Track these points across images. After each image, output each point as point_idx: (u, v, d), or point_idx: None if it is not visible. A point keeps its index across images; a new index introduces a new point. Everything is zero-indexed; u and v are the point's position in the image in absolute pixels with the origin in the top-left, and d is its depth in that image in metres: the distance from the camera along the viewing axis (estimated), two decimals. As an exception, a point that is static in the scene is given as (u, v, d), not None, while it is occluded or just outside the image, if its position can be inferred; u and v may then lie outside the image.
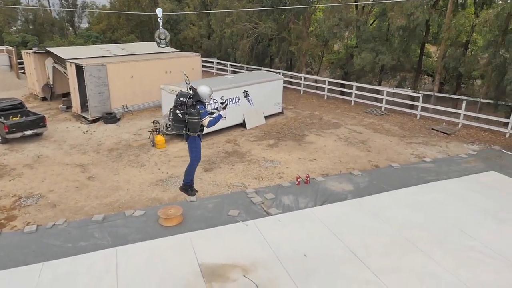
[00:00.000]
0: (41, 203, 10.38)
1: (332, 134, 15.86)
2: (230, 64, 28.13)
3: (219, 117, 8.21)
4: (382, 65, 19.72)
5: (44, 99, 21.99)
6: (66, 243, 8.41)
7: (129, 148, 14.44)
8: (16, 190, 11.02)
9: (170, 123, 14.97)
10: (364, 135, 15.67)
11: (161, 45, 9.81)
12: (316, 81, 26.06)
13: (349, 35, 21.45)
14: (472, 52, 19.28)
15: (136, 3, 39.88)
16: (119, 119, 18.18)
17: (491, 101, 17.17)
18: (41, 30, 43.77)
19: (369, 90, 20.35)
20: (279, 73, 25.07)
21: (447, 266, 7.50)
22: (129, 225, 9.20)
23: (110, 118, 17.59)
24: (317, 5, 21.95)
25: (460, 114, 16.62)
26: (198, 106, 8.05)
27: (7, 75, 26.39)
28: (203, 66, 31.41)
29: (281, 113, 18.76)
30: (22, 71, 26.02)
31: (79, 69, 17.26)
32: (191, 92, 7.94)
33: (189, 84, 8.38)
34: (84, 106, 18.08)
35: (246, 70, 26.73)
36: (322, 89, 22.60)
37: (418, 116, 18.12)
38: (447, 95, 19.60)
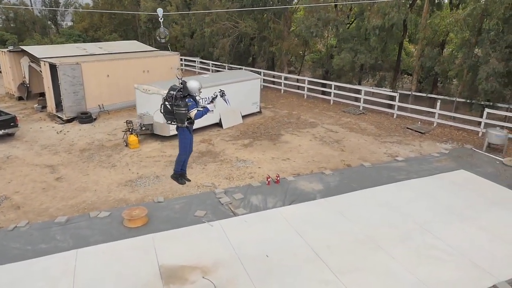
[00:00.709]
0: (5, 205, 10.16)
1: (308, 133, 15.86)
2: (212, 63, 28.03)
3: (206, 110, 8.73)
4: (362, 64, 19.80)
5: (20, 98, 21.62)
6: (26, 246, 8.23)
7: (101, 149, 14.24)
8: (-20, 192, 10.78)
9: (143, 124, 14.96)
10: (339, 134, 15.71)
11: (161, 43, 10.16)
12: (297, 80, 26.08)
13: (329, 35, 21.51)
14: (448, 52, 19.47)
15: (118, 2, 39.49)
16: (95, 119, 17.95)
17: (465, 100, 17.34)
18: (23, 29, 43.14)
19: (349, 90, 20.44)
20: (260, 73, 25.10)
21: (407, 265, 7.53)
22: (92, 227, 9.04)
23: (85, 118, 17.34)
24: (297, 5, 21.93)
25: (435, 113, 16.76)
26: (187, 99, 8.60)
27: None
28: (186, 65, 31.32)
29: (259, 112, 18.71)
30: (-1, 70, 25.56)
31: (53, 68, 16.98)
32: (181, 86, 8.50)
33: (180, 79, 8.84)
34: (59, 105, 17.79)
35: (228, 69, 26.63)
36: (303, 88, 22.62)
37: (395, 115, 18.24)
38: (424, 94, 19.75)
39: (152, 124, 14.88)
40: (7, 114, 15.44)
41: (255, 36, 24.39)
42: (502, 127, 14.47)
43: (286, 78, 23.51)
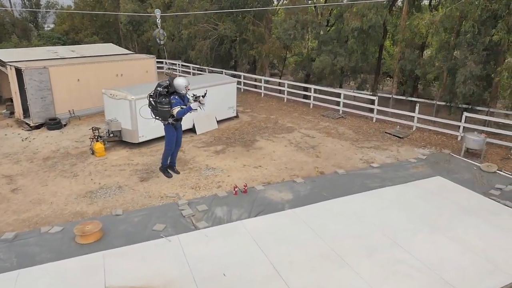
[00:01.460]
0: (-49, 220, 9.49)
1: (284, 139, 15.39)
2: (194, 67, 27.42)
3: (189, 108, 8.83)
4: (342, 67, 19.42)
5: (-8, 104, 20.84)
6: (-36, 267, 7.59)
7: (66, 157, 13.60)
8: None
9: (110, 131, 14.35)
10: (316, 140, 15.25)
11: (160, 45, 10.12)
12: (279, 84, 25.59)
13: (310, 37, 21.10)
14: (428, 55, 19.19)
15: (99, 4, 38.71)
16: (65, 125, 17.29)
17: (445, 104, 17.03)
18: (2, 32, 42.09)
19: (330, 94, 20.05)
20: (240, 76, 24.62)
21: (372, 282, 7.05)
22: (42, 244, 8.41)
23: (53, 124, 16.67)
24: (276, 7, 21.48)
25: (414, 117, 16.42)
26: (171, 97, 8.68)
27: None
28: (168, 68, 30.66)
29: (236, 117, 18.21)
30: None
31: (20, 72, 16.29)
32: (167, 83, 8.62)
33: (170, 73, 8.78)
34: (27, 111, 17.09)
35: (208, 72, 26.07)
36: (284, 92, 22.14)
37: (374, 119, 17.87)
38: (405, 98, 19.43)
39: (120, 130, 14.27)
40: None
41: (235, 38, 23.89)
42: (480, 131, 14.16)
43: (266, 82, 23.04)
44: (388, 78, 24.74)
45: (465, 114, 14.77)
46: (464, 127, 15.10)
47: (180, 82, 8.59)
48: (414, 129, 16.49)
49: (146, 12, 29.91)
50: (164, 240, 8.66)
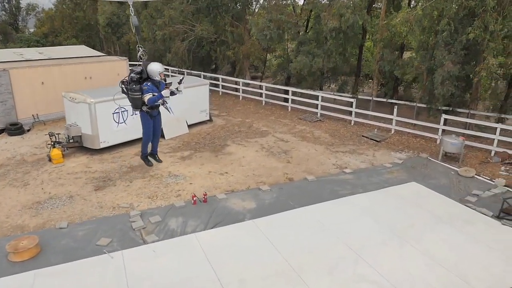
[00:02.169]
0: None
1: (256, 143, 14.66)
2: (173, 70, 26.63)
3: (159, 96, 8.50)
4: (320, 68, 18.77)
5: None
6: None
7: (21, 164, 12.71)
8: None
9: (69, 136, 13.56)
10: (289, 144, 14.55)
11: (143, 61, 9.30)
12: (260, 86, 24.92)
13: (288, 38, 20.45)
14: (408, 55, 18.68)
15: (78, 6, 37.84)
16: (28, 130, 16.40)
17: (425, 106, 16.45)
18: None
19: (310, 96, 19.36)
20: (219, 79, 23.89)
21: (329, 304, 6.34)
22: (-29, 262, 7.58)
23: (14, 129, 15.76)
24: (253, 7, 20.81)
25: (392, 119, 15.82)
26: (144, 83, 7.93)
27: None
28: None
29: (210, 120, 17.45)
30: None
31: (-22, 75, 15.38)
32: (141, 68, 8.03)
33: (144, 59, 7.93)
34: (-12, 116, 16.17)
35: (187, 75, 25.29)
36: (264, 94, 21.42)
37: (352, 123, 17.23)
38: (385, 100, 18.84)
39: (80, 136, 13.43)
40: None
41: (213, 40, 23.18)
42: (458, 134, 13.56)
43: (246, 84, 22.34)
44: (370, 80, 24.19)
45: (444, 116, 14.18)
46: (443, 129, 14.50)
47: (153, 67, 7.95)
48: (392, 132, 15.88)
49: (124, 14, 29.11)
50: (106, 256, 7.86)
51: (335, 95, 20.43)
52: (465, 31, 12.68)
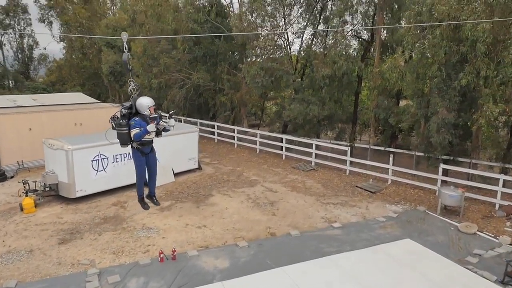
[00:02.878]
0: None
1: (243, 193, 13.84)
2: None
3: (145, 131, 7.80)
4: (316, 116, 18.31)
5: None
6: None
7: (-10, 214, 12.04)
8: None
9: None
10: (278, 195, 13.69)
11: (130, 70, 8.94)
12: (254, 134, 24.45)
13: (282, 86, 20.23)
14: (404, 103, 18.20)
15: (84, 56, 39.03)
16: (11, 177, 15.89)
17: (423, 155, 15.61)
18: (-9, 82, 42.29)
19: (306, 145, 18.70)
20: (214, 126, 23.54)
21: None
22: None
23: (-5, 176, 15.29)
24: (250, 55, 20.78)
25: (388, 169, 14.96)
26: (132, 118, 7.55)
27: None
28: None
29: (198, 168, 16.78)
30: None
31: (-36, 121, 15.23)
32: (131, 103, 7.72)
33: (135, 93, 7.57)
34: (-28, 162, 15.80)
35: (184, 122, 25.07)
36: (258, 142, 20.83)
37: (347, 172, 16.37)
38: (383, 148, 18.08)
39: (57, 184, 12.82)
40: None
41: (210, 87, 23.14)
42: (458, 185, 12.59)
43: (240, 132, 21.88)
44: (368, 128, 23.60)
45: (442, 166, 13.30)
46: (443, 180, 13.54)
47: (142, 101, 7.51)
48: (389, 182, 14.95)
49: (128, 63, 29.53)
50: (46, 325, 6.92)
51: (332, 143, 19.77)
52: (458, 77, 12.14)
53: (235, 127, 21.88)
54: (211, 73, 22.81)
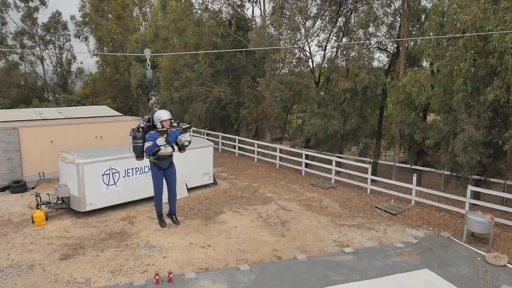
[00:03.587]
0: None
1: (255, 211, 13.33)
2: (193, 129, 26.54)
3: (154, 145, 7.80)
4: (337, 131, 17.59)
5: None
6: None
7: (4, 225, 12.21)
8: None
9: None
10: (291, 214, 13.07)
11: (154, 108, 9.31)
12: (274, 149, 23.87)
13: (301, 99, 19.64)
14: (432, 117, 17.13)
15: (116, 69, 40.32)
16: (33, 188, 16.24)
17: (451, 174, 14.51)
18: (31, 95, 44.48)
19: (328, 161, 17.96)
20: (235, 140, 23.25)
21: None
22: None
23: (16, 187, 15.66)
24: (268, 71, 20.33)
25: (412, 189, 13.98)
26: (150, 131, 7.67)
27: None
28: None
29: (214, 184, 16.46)
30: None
31: (-10, 133, 15.77)
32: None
33: (156, 107, 7.84)
34: (-4, 172, 16.30)
35: (206, 136, 25.03)
36: (278, 157, 20.28)
37: (368, 191, 15.48)
38: (408, 166, 17.03)
39: (68, 197, 12.89)
40: None
41: (231, 101, 22.98)
42: (488, 209, 11.47)
43: (261, 146, 21.46)
44: (394, 144, 22.48)
45: (470, 188, 12.20)
46: (471, 203, 12.43)
47: (156, 114, 7.55)
48: (412, 203, 13.94)
49: (152, 80, 30.09)
50: None
51: (355, 159, 18.92)
52: (489, 91, 11.15)
53: (255, 141, 21.48)
54: (233, 86, 22.68)
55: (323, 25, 19.97)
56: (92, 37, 43.91)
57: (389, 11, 18.31)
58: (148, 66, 9.19)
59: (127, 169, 13.46)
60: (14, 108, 35.86)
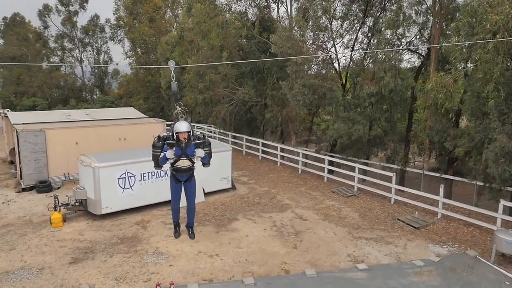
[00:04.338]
0: None
1: (270, 219, 12.95)
2: (219, 131, 26.51)
3: (164, 158, 7.77)
4: (361, 136, 16.84)
5: (11, 162, 21.49)
6: None
7: (24, 225, 12.57)
8: None
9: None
10: (306, 224, 12.58)
11: (179, 100, 9.47)
12: (300, 154, 23.31)
13: (328, 103, 18.98)
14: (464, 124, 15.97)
15: (147, 71, 41.20)
16: (58, 188, 16.74)
17: (484, 185, 13.42)
18: (70, 95, 46.50)
19: (350, 167, 17.25)
20: (258, 143, 22.91)
21: None
22: None
23: (42, 187, 16.16)
24: (290, 74, 19.78)
25: (439, 201, 13.05)
26: (166, 142, 7.85)
27: (-3, 137, 26.80)
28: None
29: (232, 188, 16.23)
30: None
31: (20, 134, 16.40)
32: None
33: (181, 117, 8.16)
34: (25, 172, 16.94)
35: (231, 137, 24.90)
36: (300, 162, 19.77)
37: (392, 201, 14.66)
38: (438, 175, 15.98)
39: (86, 199, 13.09)
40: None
41: (256, 103, 22.69)
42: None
43: (281, 150, 21.00)
44: (424, 151, 21.26)
45: (502, 202, 11.18)
46: (502, 219, 11.39)
47: (175, 125, 7.48)
48: (439, 216, 13.01)
49: (183, 78, 30.41)
50: None
51: (382, 165, 18.03)
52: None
53: (278, 145, 21.06)
54: (257, 88, 22.38)
55: (350, 26, 19.21)
56: (127, 39, 45.16)
57: (420, 9, 17.28)
58: (173, 78, 9.01)
59: (143, 173, 13.49)
60: (53, 108, 37.61)
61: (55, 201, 12.85)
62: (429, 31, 17.67)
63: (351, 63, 19.44)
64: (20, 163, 16.41)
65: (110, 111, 23.26)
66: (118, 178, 13.00)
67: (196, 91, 22.05)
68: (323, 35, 18.21)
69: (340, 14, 18.52)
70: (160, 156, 8.22)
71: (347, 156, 19.10)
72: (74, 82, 48.22)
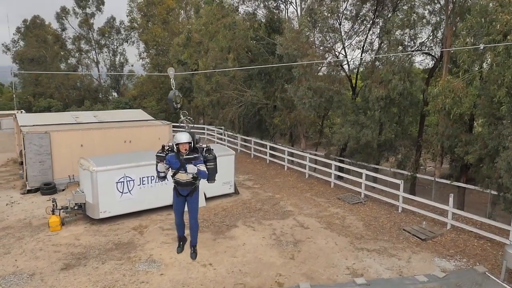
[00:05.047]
0: None
1: (270, 227, 12.56)
2: (228, 134, 26.24)
3: (156, 168, 7.15)
4: (370, 141, 16.23)
5: (22, 163, 21.75)
6: None
7: (24, 228, 12.57)
8: None
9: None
10: (307, 232, 12.13)
11: (176, 108, 9.17)
12: (316, 161, 22.70)
13: (335, 107, 18.39)
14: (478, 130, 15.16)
15: (158, 71, 41.35)
16: (63, 190, 16.79)
17: (497, 194, 12.68)
18: (86, 96, 47.09)
19: (359, 174, 16.65)
20: (266, 146, 22.50)
21: None
22: None
23: (47, 189, 16.22)
24: (296, 77, 19.22)
25: (448, 211, 12.39)
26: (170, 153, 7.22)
27: (10, 138, 27.23)
28: (208, 134, 30.05)
29: (235, 193, 15.90)
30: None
31: (25, 136, 16.51)
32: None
33: (187, 126, 7.41)
34: (31, 174, 17.05)
35: (241, 140, 24.58)
36: (307, 167, 19.26)
37: (399, 209, 14.03)
38: (448, 182, 15.24)
39: (84, 203, 12.99)
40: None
41: (267, 105, 22.27)
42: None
43: (289, 153, 20.53)
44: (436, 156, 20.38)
45: (515, 215, 10.49)
46: (516, 233, 10.68)
47: (176, 136, 7.13)
48: (448, 227, 12.34)
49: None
50: None
51: (391, 170, 17.37)
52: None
53: (285, 148, 20.63)
54: (266, 90, 21.99)
55: (360, 27, 18.62)
56: (139, 41, 45.47)
57: (433, 9, 16.57)
58: (173, 86, 8.71)
59: (142, 177, 13.31)
60: (68, 109, 38.10)
61: (53, 205, 12.82)
62: (442, 32, 16.92)
63: (361, 65, 18.87)
64: (25, 165, 16.54)
65: (118, 113, 23.28)
66: (117, 182, 12.85)
67: (204, 93, 21.85)
68: (331, 36, 17.68)
69: (351, 15, 17.95)
70: (155, 168, 7.82)
71: (356, 160, 18.49)
72: (90, 84, 48.83)
